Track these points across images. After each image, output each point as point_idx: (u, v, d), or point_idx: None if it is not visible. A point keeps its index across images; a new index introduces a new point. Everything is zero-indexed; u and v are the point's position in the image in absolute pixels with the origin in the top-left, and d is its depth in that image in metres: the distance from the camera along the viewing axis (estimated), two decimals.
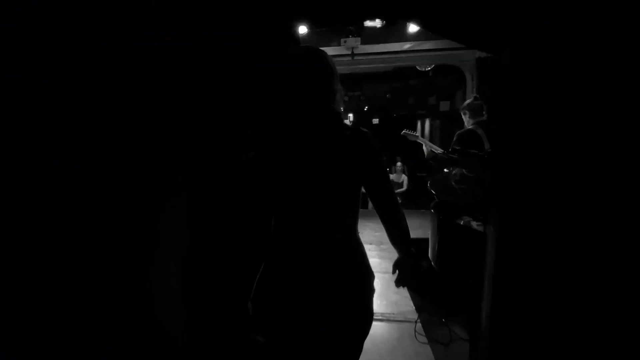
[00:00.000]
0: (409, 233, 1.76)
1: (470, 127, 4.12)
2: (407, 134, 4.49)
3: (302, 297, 1.65)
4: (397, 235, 1.75)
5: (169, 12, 1.74)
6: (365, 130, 1.69)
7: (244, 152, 1.71)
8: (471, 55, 5.94)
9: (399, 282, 1.82)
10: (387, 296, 4.26)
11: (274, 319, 1.71)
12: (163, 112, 1.80)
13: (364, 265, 1.73)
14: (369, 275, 1.74)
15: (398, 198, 7.99)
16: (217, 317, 2.00)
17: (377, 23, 5.94)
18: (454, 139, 4.13)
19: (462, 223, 3.45)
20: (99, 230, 1.82)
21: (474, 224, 3.33)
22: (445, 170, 4.60)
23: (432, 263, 3.83)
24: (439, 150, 4.36)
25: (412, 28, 5.92)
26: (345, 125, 1.67)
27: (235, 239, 1.80)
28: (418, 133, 4.56)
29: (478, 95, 4.30)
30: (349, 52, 6.72)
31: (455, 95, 10.54)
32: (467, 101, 4.29)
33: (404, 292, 4.24)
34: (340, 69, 1.80)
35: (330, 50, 6.62)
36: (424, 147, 4.41)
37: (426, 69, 7.39)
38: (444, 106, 11.17)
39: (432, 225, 3.99)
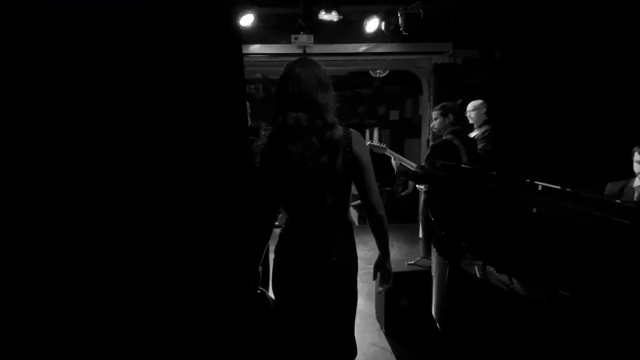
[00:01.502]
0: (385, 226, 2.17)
1: (445, 137, 3.75)
2: (373, 145, 4.12)
3: (306, 267, 2.02)
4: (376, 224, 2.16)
5: (169, 12, 1.78)
6: (355, 130, 2.05)
7: (249, 154, 1.85)
8: (427, 62, 5.88)
9: (382, 283, 2.23)
10: (362, 348, 2.87)
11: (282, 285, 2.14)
12: (163, 112, 1.83)
13: (352, 247, 2.15)
14: (355, 254, 2.17)
15: (355, 211, 8.09)
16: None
17: (334, 16, 5.25)
18: (429, 151, 3.77)
19: (477, 272, 2.54)
20: (99, 230, 1.82)
21: (493, 271, 2.47)
22: (420, 187, 4.04)
23: (438, 324, 2.91)
24: (412, 165, 4.03)
25: (370, 27, 5.48)
26: (339, 127, 1.98)
27: (240, 226, 1.87)
28: (368, 142, 4.16)
29: (462, 100, 3.97)
30: (301, 52, 5.75)
31: (405, 105, 10.85)
32: (450, 103, 3.87)
33: (382, 342, 3.54)
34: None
35: (279, 49, 5.87)
36: (393, 161, 4.02)
37: (380, 76, 7.48)
38: (394, 115, 11.45)
39: (437, 273, 2.91)
